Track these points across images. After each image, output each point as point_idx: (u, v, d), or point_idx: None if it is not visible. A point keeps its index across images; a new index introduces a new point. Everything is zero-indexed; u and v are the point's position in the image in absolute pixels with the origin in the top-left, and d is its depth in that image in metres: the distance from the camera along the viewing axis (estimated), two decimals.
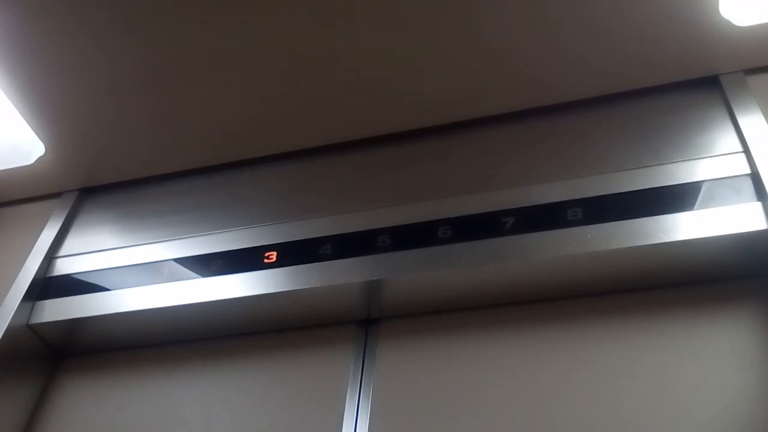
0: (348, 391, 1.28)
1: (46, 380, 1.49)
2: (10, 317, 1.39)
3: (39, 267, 1.48)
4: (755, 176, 1.15)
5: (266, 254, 1.36)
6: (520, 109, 1.40)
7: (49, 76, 1.40)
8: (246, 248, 1.39)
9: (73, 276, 1.48)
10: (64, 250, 1.54)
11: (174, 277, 1.40)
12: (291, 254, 1.34)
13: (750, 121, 1.22)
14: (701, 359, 1.12)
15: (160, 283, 1.40)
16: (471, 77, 1.34)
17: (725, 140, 1.23)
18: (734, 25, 1.22)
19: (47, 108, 1.46)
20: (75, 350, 1.51)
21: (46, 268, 1.50)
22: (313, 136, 1.49)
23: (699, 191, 1.17)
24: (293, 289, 1.29)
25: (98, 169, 1.61)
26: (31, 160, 1.56)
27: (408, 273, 1.25)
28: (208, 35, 1.30)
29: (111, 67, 1.37)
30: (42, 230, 1.57)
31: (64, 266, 1.50)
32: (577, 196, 1.23)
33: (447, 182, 1.35)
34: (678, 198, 1.18)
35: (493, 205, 1.27)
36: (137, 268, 1.45)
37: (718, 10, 1.20)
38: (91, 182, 1.65)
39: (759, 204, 1.12)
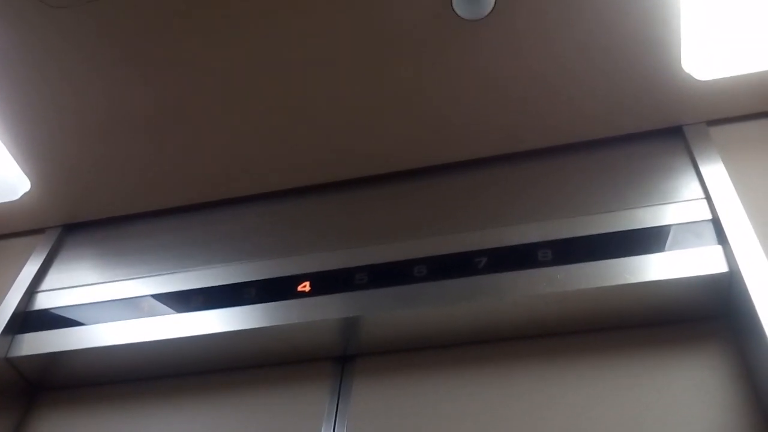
0: (323, 427, 1.29)
1: (22, 414, 1.48)
2: None
3: (20, 301, 1.49)
4: (716, 221, 1.20)
5: (244, 290, 1.38)
6: (493, 155, 1.45)
7: (37, 114, 1.43)
8: (224, 285, 1.41)
9: (53, 311, 1.49)
10: (45, 284, 1.56)
11: (152, 313, 1.41)
12: (269, 291, 1.37)
13: (711, 169, 1.27)
14: (667, 397, 1.15)
15: (139, 318, 1.41)
16: (446, 123, 1.39)
17: (688, 187, 1.28)
18: (696, 80, 1.29)
19: (34, 145, 1.49)
20: (52, 384, 1.51)
21: (27, 302, 1.51)
22: (291, 177, 1.53)
23: (663, 235, 1.22)
24: (271, 325, 1.31)
25: (82, 206, 1.63)
26: (17, 196, 1.59)
27: (384, 310, 1.28)
28: (190, 79, 1.35)
29: (97, 107, 1.41)
30: (24, 265, 1.58)
31: (44, 300, 1.52)
32: (547, 238, 1.28)
33: (423, 223, 1.39)
34: (643, 241, 1.22)
35: (467, 246, 1.31)
36: (116, 303, 1.46)
37: (681, 65, 1.27)
38: (74, 219, 1.67)
39: (720, 247, 1.17)
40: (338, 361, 1.39)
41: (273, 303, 1.35)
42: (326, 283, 1.35)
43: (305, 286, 1.35)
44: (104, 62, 1.33)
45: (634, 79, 1.30)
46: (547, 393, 1.22)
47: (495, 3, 1.21)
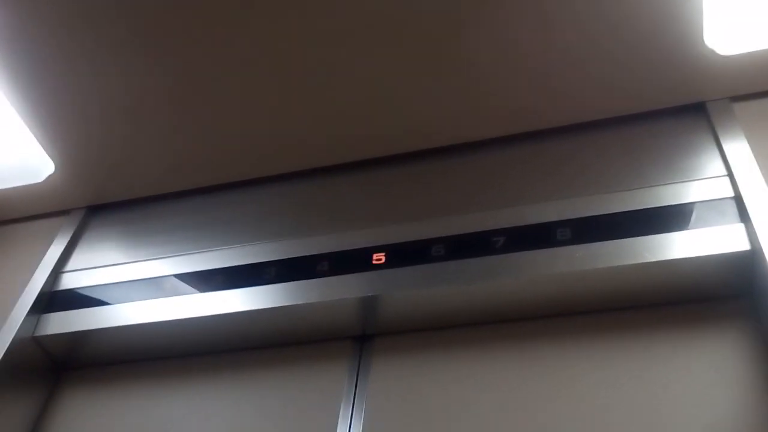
0: (342, 406, 1.30)
1: (49, 392, 1.52)
2: (17, 329, 1.42)
3: (46, 281, 1.52)
4: (738, 199, 1.18)
5: (264, 270, 1.39)
6: (512, 133, 1.44)
7: (60, 96, 1.45)
8: (244, 264, 1.42)
9: (79, 290, 1.52)
10: (70, 265, 1.59)
11: (174, 292, 1.43)
12: (289, 271, 1.38)
13: (734, 146, 1.25)
14: (687, 376, 1.14)
15: (162, 297, 1.43)
16: (465, 103, 1.39)
17: (710, 164, 1.26)
18: (719, 55, 1.26)
19: (58, 128, 1.51)
20: (78, 363, 1.54)
21: (53, 282, 1.54)
22: (311, 158, 1.53)
23: (684, 213, 1.21)
24: (290, 304, 1.33)
25: (106, 187, 1.65)
26: (41, 178, 1.61)
27: (402, 290, 1.28)
28: (212, 59, 1.36)
29: (120, 87, 1.42)
30: (50, 246, 1.61)
31: (70, 281, 1.55)
32: (566, 216, 1.27)
33: (440, 202, 1.39)
34: (664, 219, 1.21)
35: (485, 225, 1.31)
36: (140, 283, 1.49)
37: (703, 40, 1.25)
38: (98, 200, 1.69)
39: (742, 225, 1.15)
40: (357, 340, 1.40)
41: (292, 282, 1.36)
42: (345, 262, 1.35)
43: (324, 266, 1.36)
44: (126, 43, 1.34)
45: (656, 54, 1.28)
46: (566, 373, 1.21)
47: None
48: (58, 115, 1.49)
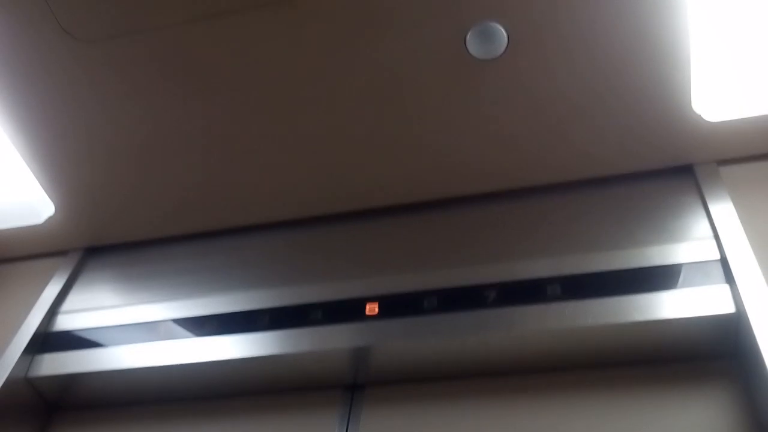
0: None
1: None
2: (10, 369, 1.43)
3: (41, 321, 1.53)
4: (724, 261, 1.21)
5: (258, 318, 1.41)
6: (505, 189, 1.47)
7: (62, 138, 1.47)
8: (239, 311, 1.44)
9: (74, 332, 1.53)
10: (66, 306, 1.60)
11: (169, 337, 1.44)
12: (282, 319, 1.39)
13: (721, 209, 1.28)
14: None
15: (156, 341, 1.44)
16: (457, 158, 1.42)
17: (697, 226, 1.29)
18: (706, 121, 1.30)
19: (59, 170, 1.53)
20: (69, 404, 1.55)
21: (48, 323, 1.55)
22: (308, 207, 1.56)
23: (672, 274, 1.23)
24: (283, 353, 1.34)
25: (104, 230, 1.67)
26: (41, 220, 1.63)
27: (394, 341, 1.30)
28: (213, 107, 1.39)
29: (122, 132, 1.45)
30: (46, 286, 1.63)
31: (65, 322, 1.55)
32: (557, 273, 1.29)
33: (434, 255, 1.42)
34: (652, 279, 1.23)
35: (477, 279, 1.33)
36: (135, 326, 1.49)
37: (691, 106, 1.29)
38: (96, 242, 1.71)
39: (727, 287, 1.18)
40: (348, 390, 1.41)
41: (286, 330, 1.37)
42: (338, 312, 1.37)
43: (318, 315, 1.38)
44: (128, 90, 1.38)
45: (645, 119, 1.32)
46: (554, 428, 1.23)
47: (508, 44, 1.24)
48: (60, 158, 1.51)
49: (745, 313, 1.12)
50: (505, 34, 1.23)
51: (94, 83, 1.37)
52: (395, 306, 1.34)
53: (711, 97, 1.28)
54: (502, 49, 1.25)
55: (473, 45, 1.24)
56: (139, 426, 1.47)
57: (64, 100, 1.41)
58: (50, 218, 1.63)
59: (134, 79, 1.36)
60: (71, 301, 1.61)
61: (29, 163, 1.53)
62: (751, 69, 1.25)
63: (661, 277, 1.23)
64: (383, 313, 1.34)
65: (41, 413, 1.53)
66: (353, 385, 1.41)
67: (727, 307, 1.16)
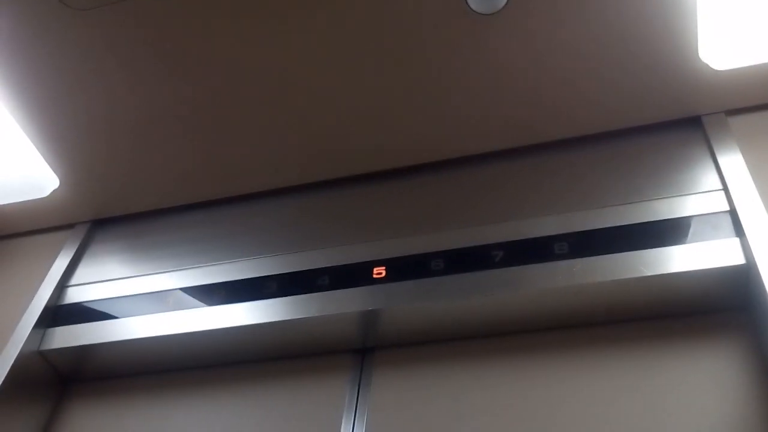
0: (343, 419, 1.32)
1: (54, 405, 1.53)
2: (22, 343, 1.44)
3: (51, 295, 1.54)
4: (733, 213, 1.19)
5: (266, 284, 1.41)
6: (509, 147, 1.45)
7: (64, 111, 1.47)
8: (247, 278, 1.44)
9: (84, 304, 1.54)
10: (75, 279, 1.60)
11: (178, 306, 1.45)
12: (290, 285, 1.40)
13: (729, 160, 1.26)
14: (683, 389, 1.16)
15: (166, 311, 1.45)
16: (461, 117, 1.40)
17: (706, 178, 1.27)
18: (713, 69, 1.28)
19: (62, 143, 1.53)
20: (82, 377, 1.56)
21: (58, 297, 1.56)
22: (313, 172, 1.55)
23: (680, 227, 1.22)
24: (292, 318, 1.34)
25: (110, 201, 1.67)
26: (46, 193, 1.63)
27: (402, 304, 1.30)
28: (218, 75, 1.38)
29: (123, 102, 1.44)
30: (55, 260, 1.63)
31: (75, 295, 1.56)
32: (564, 230, 1.28)
33: (439, 216, 1.41)
34: (660, 233, 1.22)
35: (484, 239, 1.32)
36: (144, 297, 1.50)
37: (698, 55, 1.26)
38: (102, 214, 1.71)
39: (737, 240, 1.17)
40: (358, 353, 1.41)
41: (294, 296, 1.37)
42: (345, 276, 1.37)
43: (325, 280, 1.37)
44: (130, 60, 1.36)
45: (651, 69, 1.29)
46: (564, 385, 1.23)
47: None
48: (63, 131, 1.51)
49: (755, 264, 1.10)
50: None
51: (90, 52, 1.35)
52: (402, 269, 1.34)
53: (718, 45, 1.25)
54: (504, 2, 1.22)
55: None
56: (153, 394, 1.49)
57: (62, 71, 1.39)
58: (55, 191, 1.63)
59: (131, 49, 1.34)
60: (80, 273, 1.62)
61: (31, 137, 1.52)
62: (759, 15, 1.22)
63: (670, 231, 1.22)
64: (391, 276, 1.34)
65: (55, 385, 1.55)
66: (363, 348, 1.42)
67: (737, 259, 1.15)
